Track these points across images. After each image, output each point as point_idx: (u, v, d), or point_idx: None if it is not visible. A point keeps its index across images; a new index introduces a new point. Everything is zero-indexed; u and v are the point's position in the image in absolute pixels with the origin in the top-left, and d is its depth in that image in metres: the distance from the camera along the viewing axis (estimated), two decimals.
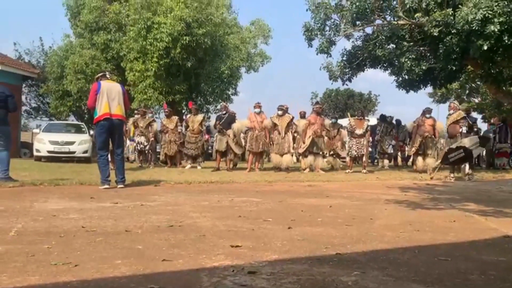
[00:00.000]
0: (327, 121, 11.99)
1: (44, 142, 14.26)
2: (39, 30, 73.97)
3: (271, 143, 11.23)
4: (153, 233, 3.34)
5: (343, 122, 13.75)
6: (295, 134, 12.40)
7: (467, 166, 9.50)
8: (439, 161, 9.73)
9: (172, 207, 4.73)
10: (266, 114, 11.41)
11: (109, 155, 7.01)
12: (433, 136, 11.24)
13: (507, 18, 5.43)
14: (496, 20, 5.39)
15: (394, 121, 14.07)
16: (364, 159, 11.56)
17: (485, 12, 5.32)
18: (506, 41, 5.68)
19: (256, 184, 8.01)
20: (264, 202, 5.37)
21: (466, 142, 8.73)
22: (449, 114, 10.32)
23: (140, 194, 5.88)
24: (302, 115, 12.14)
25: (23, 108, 22.33)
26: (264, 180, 8.51)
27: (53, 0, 39.22)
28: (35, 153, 14.57)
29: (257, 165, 11.24)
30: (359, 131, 11.22)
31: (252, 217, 4.19)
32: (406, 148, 14.44)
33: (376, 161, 15.18)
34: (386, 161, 13.52)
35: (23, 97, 21.88)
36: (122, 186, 6.69)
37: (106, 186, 6.52)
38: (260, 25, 21.41)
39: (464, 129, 9.46)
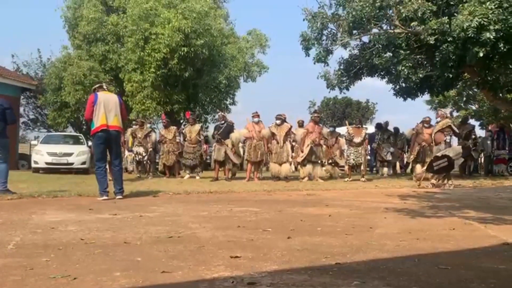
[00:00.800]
0: (325, 130, 12.02)
1: (42, 153, 14.22)
2: (37, 42, 74.25)
3: (270, 152, 11.24)
4: (152, 244, 3.33)
5: (341, 130, 13.75)
6: (294, 143, 12.41)
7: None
8: (425, 168, 9.81)
9: (171, 218, 4.71)
10: (264, 123, 11.46)
11: (107, 166, 7.00)
12: (431, 144, 11.26)
13: (502, 25, 5.49)
14: (491, 27, 5.44)
15: (391, 128, 14.08)
16: (362, 167, 11.56)
17: (480, 19, 5.37)
18: (502, 48, 5.73)
19: (255, 193, 8.00)
20: (263, 211, 5.36)
21: (451, 151, 8.85)
22: (437, 122, 10.43)
23: (139, 205, 5.86)
24: (300, 124, 12.16)
25: (21, 119, 22.30)
26: (263, 190, 8.50)
27: (51, 12, 39.45)
28: (33, 165, 14.51)
29: (256, 175, 11.23)
30: (357, 140, 11.24)
31: (251, 227, 4.18)
32: (405, 156, 14.46)
33: (374, 169, 15.16)
34: (385, 169, 13.52)
35: (21, 109, 21.85)
36: (120, 197, 6.67)
37: (105, 197, 6.50)
38: (257, 34, 21.49)
39: (449, 138, 9.55)
